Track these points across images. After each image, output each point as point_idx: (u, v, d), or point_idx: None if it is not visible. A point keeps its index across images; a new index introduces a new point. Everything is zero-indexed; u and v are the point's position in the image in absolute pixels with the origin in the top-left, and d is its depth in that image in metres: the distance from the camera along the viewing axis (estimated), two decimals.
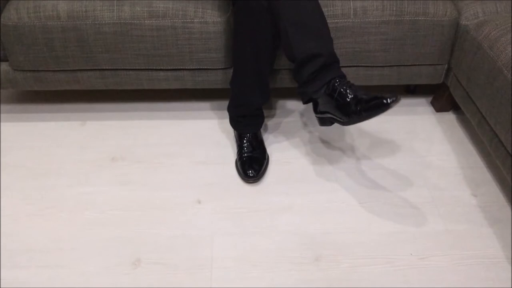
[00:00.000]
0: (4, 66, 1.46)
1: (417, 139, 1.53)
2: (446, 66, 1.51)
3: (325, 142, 1.52)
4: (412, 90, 1.76)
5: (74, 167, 1.42)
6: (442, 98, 1.62)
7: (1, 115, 1.64)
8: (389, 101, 1.05)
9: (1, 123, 1.60)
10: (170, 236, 1.21)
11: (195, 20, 1.36)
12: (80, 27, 1.35)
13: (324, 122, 1.24)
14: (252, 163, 1.38)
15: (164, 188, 1.35)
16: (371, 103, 1.07)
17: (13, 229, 1.23)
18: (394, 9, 1.37)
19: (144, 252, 1.17)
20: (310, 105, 1.28)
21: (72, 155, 1.47)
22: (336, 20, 1.38)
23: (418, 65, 1.49)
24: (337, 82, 1.16)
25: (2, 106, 1.68)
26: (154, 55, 1.41)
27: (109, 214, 1.27)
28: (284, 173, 1.40)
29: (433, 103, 1.69)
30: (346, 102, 1.12)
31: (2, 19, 1.36)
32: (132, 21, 1.35)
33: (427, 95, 1.74)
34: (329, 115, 1.19)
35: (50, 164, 1.43)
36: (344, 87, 1.14)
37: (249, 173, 1.36)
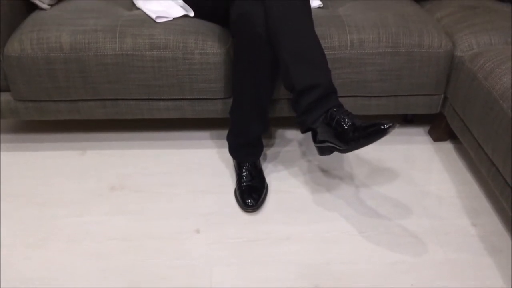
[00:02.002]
0: (6, 96, 1.48)
1: (416, 168, 1.54)
2: (442, 96, 1.53)
3: (323, 171, 1.53)
4: (410, 120, 1.78)
5: (73, 197, 1.42)
6: (440, 128, 1.64)
7: (1, 144, 1.65)
8: (386, 126, 1.06)
9: (1, 153, 1.60)
10: (169, 266, 1.20)
11: (195, 52, 1.38)
12: (83, 58, 1.37)
13: (323, 151, 1.24)
14: (251, 192, 1.38)
15: (163, 218, 1.35)
16: (368, 130, 1.09)
17: (11, 259, 1.21)
18: (390, 41, 1.41)
19: (143, 282, 1.16)
20: (309, 134, 1.29)
21: (71, 184, 1.47)
22: (333, 52, 1.40)
23: (415, 95, 1.51)
24: (334, 111, 1.17)
25: (2, 136, 1.69)
26: (154, 85, 1.43)
27: (107, 244, 1.26)
28: (283, 202, 1.40)
29: (430, 133, 1.70)
30: (344, 130, 1.14)
31: (5, 51, 1.38)
32: (134, 53, 1.37)
33: (424, 124, 1.75)
34: (328, 144, 1.20)
35: (49, 194, 1.43)
36: (342, 115, 1.16)
37: (248, 202, 1.36)
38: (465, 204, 1.40)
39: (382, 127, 1.06)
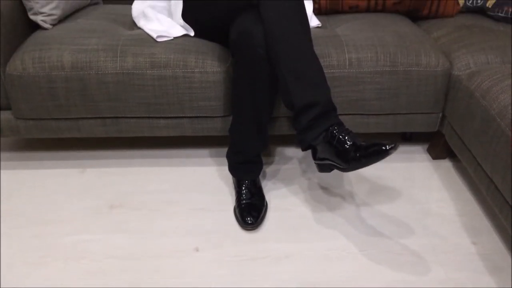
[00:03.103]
0: (6, 114, 1.49)
1: (415, 186, 1.54)
2: (440, 114, 1.54)
3: (323, 188, 1.53)
4: (408, 138, 1.79)
5: (72, 215, 1.41)
6: (438, 146, 1.65)
7: (1, 162, 1.65)
8: (387, 147, 1.06)
9: (1, 171, 1.60)
10: (168, 285, 1.19)
11: (195, 70, 1.40)
12: (84, 77, 1.38)
13: (323, 168, 1.25)
14: (250, 210, 1.38)
15: (162, 236, 1.34)
16: (370, 150, 1.09)
17: (11, 277, 1.20)
18: (388, 60, 1.42)
19: None
20: (309, 152, 1.30)
21: (71, 202, 1.46)
22: (332, 70, 1.42)
23: (413, 113, 1.52)
24: (335, 130, 1.18)
25: (2, 154, 1.69)
26: (155, 104, 1.44)
27: (106, 263, 1.25)
28: (283, 220, 1.40)
29: (429, 151, 1.71)
30: (345, 149, 1.14)
31: (7, 69, 1.39)
32: (135, 71, 1.38)
33: (423, 142, 1.76)
34: (328, 162, 1.20)
35: (49, 212, 1.42)
36: (343, 134, 1.16)
37: (248, 220, 1.35)
38: (465, 222, 1.40)
39: (384, 147, 1.07)
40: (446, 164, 1.65)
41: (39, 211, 1.43)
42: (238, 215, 1.38)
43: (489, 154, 1.23)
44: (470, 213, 1.43)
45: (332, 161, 1.17)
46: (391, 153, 1.07)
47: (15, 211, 1.43)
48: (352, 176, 1.58)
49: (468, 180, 1.58)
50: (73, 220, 1.39)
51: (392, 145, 1.06)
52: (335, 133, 1.17)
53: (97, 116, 1.47)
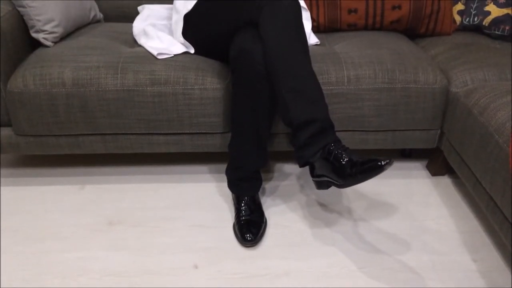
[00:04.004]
0: (7, 131, 1.49)
1: (414, 203, 1.54)
2: (439, 131, 1.55)
3: (322, 205, 1.53)
4: (408, 154, 1.79)
5: (70, 232, 1.41)
6: (437, 162, 1.65)
7: (1, 179, 1.65)
8: (383, 163, 1.07)
9: (1, 187, 1.60)
10: None
11: (195, 87, 1.41)
12: (84, 94, 1.39)
13: (321, 185, 1.25)
14: (250, 227, 1.38)
15: (161, 253, 1.33)
16: (365, 166, 1.10)
17: None
18: (386, 77, 1.43)
19: None
20: (307, 168, 1.30)
21: (69, 219, 1.46)
22: (331, 87, 1.43)
23: (412, 130, 1.53)
24: (332, 146, 1.19)
25: (2, 170, 1.70)
26: (154, 120, 1.45)
27: (104, 280, 1.24)
28: (282, 237, 1.40)
29: (428, 167, 1.71)
30: (341, 165, 1.15)
31: (8, 86, 1.40)
32: (135, 88, 1.40)
33: (422, 159, 1.76)
34: (325, 178, 1.20)
35: (47, 229, 1.42)
36: (339, 150, 1.17)
37: (247, 237, 1.35)
38: (465, 239, 1.40)
39: (379, 163, 1.07)
40: (445, 181, 1.66)
41: (37, 228, 1.42)
42: (237, 232, 1.38)
43: (488, 170, 1.24)
44: (470, 230, 1.43)
45: (329, 177, 1.18)
46: (386, 169, 1.08)
47: (14, 227, 1.42)
48: (351, 192, 1.58)
49: (467, 196, 1.57)
50: (71, 237, 1.39)
51: (387, 161, 1.07)
52: (332, 149, 1.18)
53: (97, 132, 1.48)
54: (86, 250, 1.34)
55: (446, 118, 1.51)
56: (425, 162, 1.74)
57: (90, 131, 1.47)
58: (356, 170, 1.11)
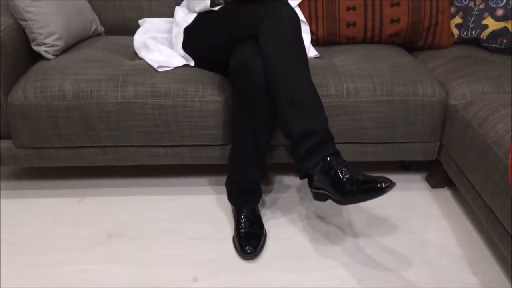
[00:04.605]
0: (7, 143, 1.50)
1: (414, 216, 1.54)
2: (438, 143, 1.55)
3: (322, 217, 1.52)
4: (407, 166, 1.79)
5: (70, 244, 1.41)
6: (437, 175, 1.65)
7: (1, 191, 1.65)
8: (383, 185, 1.07)
9: (1, 200, 1.60)
10: None
11: (195, 99, 1.41)
12: (85, 106, 1.40)
13: (318, 197, 1.25)
14: (249, 239, 1.37)
15: (160, 265, 1.33)
16: (366, 186, 1.10)
17: None
18: (385, 89, 1.44)
19: None
20: (307, 180, 1.30)
21: (69, 231, 1.46)
22: (330, 100, 1.44)
23: (411, 142, 1.53)
24: (333, 161, 1.18)
25: (2, 183, 1.69)
26: (154, 132, 1.45)
27: None
28: (282, 250, 1.39)
29: (428, 179, 1.71)
30: (341, 182, 1.14)
31: (9, 99, 1.41)
32: (135, 100, 1.40)
33: (422, 171, 1.76)
34: (324, 192, 1.20)
35: (47, 241, 1.42)
36: (340, 166, 1.17)
37: (247, 249, 1.34)
38: (465, 252, 1.39)
39: (379, 185, 1.07)
40: (445, 193, 1.65)
41: (37, 240, 1.42)
42: (237, 244, 1.38)
43: (488, 183, 1.24)
44: (470, 243, 1.43)
45: (328, 191, 1.18)
46: (387, 192, 1.07)
47: (14, 240, 1.42)
48: (350, 205, 1.58)
49: (467, 209, 1.57)
50: (71, 249, 1.38)
51: (388, 184, 1.07)
52: (332, 164, 1.17)
53: (97, 145, 1.48)
54: (85, 262, 1.34)
55: (445, 131, 1.51)
56: (424, 174, 1.74)
57: (90, 143, 1.47)
58: (356, 189, 1.11)
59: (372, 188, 1.08)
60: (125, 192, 1.64)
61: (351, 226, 1.48)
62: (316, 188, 1.22)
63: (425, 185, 1.70)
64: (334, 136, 1.25)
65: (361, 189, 1.10)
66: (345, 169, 1.15)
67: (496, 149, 1.21)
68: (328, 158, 1.19)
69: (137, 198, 1.61)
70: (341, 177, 1.14)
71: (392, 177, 1.11)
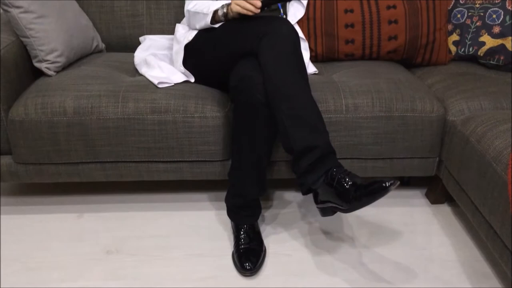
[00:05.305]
0: (7, 159, 1.50)
1: (415, 231, 1.53)
2: (437, 159, 1.56)
3: (323, 233, 1.52)
4: (406, 182, 1.79)
5: (68, 261, 1.40)
6: (436, 190, 1.65)
7: (1, 207, 1.64)
8: (387, 184, 1.07)
9: (1, 216, 1.59)
10: None
11: (195, 115, 1.42)
12: (85, 122, 1.41)
13: (325, 212, 1.25)
14: (249, 255, 1.36)
15: (158, 282, 1.32)
16: (370, 188, 1.10)
17: None
18: (384, 105, 1.45)
19: None
20: (307, 196, 1.30)
21: (67, 248, 1.45)
22: (329, 115, 1.45)
23: (410, 158, 1.54)
24: (334, 171, 1.19)
25: (2, 199, 1.69)
26: (154, 148, 1.46)
27: None
28: (282, 266, 1.38)
29: (427, 195, 1.71)
30: (345, 189, 1.15)
31: (10, 115, 1.42)
32: (135, 116, 1.41)
33: (421, 187, 1.76)
34: (330, 204, 1.20)
35: (45, 258, 1.41)
36: (342, 175, 1.17)
37: (246, 265, 1.34)
38: (466, 267, 1.38)
39: (384, 184, 1.08)
40: (445, 209, 1.65)
41: (36, 257, 1.41)
42: (236, 261, 1.37)
43: (487, 199, 1.24)
44: (471, 258, 1.42)
45: (334, 202, 1.18)
46: (391, 190, 1.08)
47: (13, 256, 1.41)
48: (352, 220, 1.58)
49: (467, 225, 1.57)
50: (69, 266, 1.37)
51: (392, 182, 1.07)
52: (334, 174, 1.18)
53: (97, 160, 1.48)
54: (83, 279, 1.32)
55: (444, 146, 1.52)
56: (424, 190, 1.74)
57: (90, 159, 1.47)
58: (360, 193, 1.11)
59: (376, 189, 1.09)
60: (124, 208, 1.64)
61: (353, 242, 1.48)
62: (322, 203, 1.22)
63: (425, 201, 1.70)
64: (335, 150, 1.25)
65: (365, 192, 1.10)
66: (347, 177, 1.16)
67: (495, 165, 1.22)
68: (330, 170, 1.20)
69: (136, 214, 1.61)
70: (345, 185, 1.14)
71: (391, 193, 1.11)
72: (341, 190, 1.15)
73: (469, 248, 1.46)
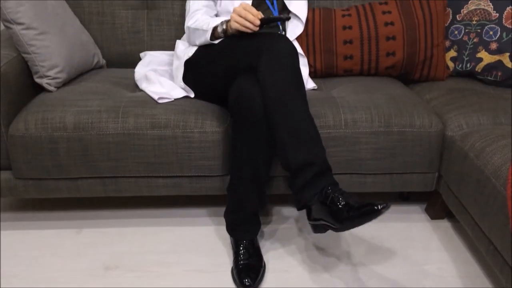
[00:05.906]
0: (6, 174, 1.50)
1: (414, 247, 1.53)
2: (436, 174, 1.56)
3: (321, 249, 1.51)
4: (406, 197, 1.79)
5: (67, 277, 1.39)
6: (436, 205, 1.65)
7: (1, 223, 1.64)
8: (379, 207, 1.08)
9: (1, 232, 1.59)
10: None
11: (195, 130, 1.43)
12: (85, 137, 1.41)
13: (317, 229, 1.25)
14: (248, 271, 1.36)
15: None
16: (362, 210, 1.10)
17: None
18: (383, 121, 1.46)
19: None
20: (305, 211, 1.30)
21: (65, 264, 1.44)
22: (328, 131, 1.45)
23: (409, 173, 1.54)
24: (329, 190, 1.19)
25: (2, 214, 1.69)
26: (154, 163, 1.46)
27: None
28: (281, 282, 1.37)
29: (427, 210, 1.71)
30: (338, 209, 1.15)
31: (10, 130, 1.42)
32: (135, 131, 1.42)
33: (421, 202, 1.76)
34: (322, 222, 1.20)
35: (44, 274, 1.40)
36: (336, 194, 1.17)
37: (246, 282, 1.33)
38: (466, 284, 1.37)
39: (376, 207, 1.08)
40: (444, 224, 1.65)
41: (35, 273, 1.40)
42: (235, 277, 1.36)
43: (487, 214, 1.24)
44: (471, 274, 1.41)
45: (326, 221, 1.18)
46: (383, 213, 1.08)
47: (12, 272, 1.40)
48: (349, 236, 1.57)
49: (467, 240, 1.56)
50: (67, 282, 1.37)
51: (384, 205, 1.08)
52: (329, 193, 1.18)
53: (97, 175, 1.48)
54: None
55: (443, 162, 1.52)
56: (423, 205, 1.74)
57: (89, 174, 1.47)
58: (353, 214, 1.11)
59: (368, 211, 1.09)
60: (123, 224, 1.63)
61: (350, 258, 1.47)
62: (315, 220, 1.22)
63: (424, 216, 1.69)
64: (332, 167, 1.25)
65: (358, 214, 1.10)
66: (341, 197, 1.16)
67: (494, 180, 1.22)
68: (325, 188, 1.20)
69: (135, 229, 1.60)
70: (338, 204, 1.15)
71: (391, 208, 1.11)
72: (334, 209, 1.15)
73: (469, 264, 1.46)
